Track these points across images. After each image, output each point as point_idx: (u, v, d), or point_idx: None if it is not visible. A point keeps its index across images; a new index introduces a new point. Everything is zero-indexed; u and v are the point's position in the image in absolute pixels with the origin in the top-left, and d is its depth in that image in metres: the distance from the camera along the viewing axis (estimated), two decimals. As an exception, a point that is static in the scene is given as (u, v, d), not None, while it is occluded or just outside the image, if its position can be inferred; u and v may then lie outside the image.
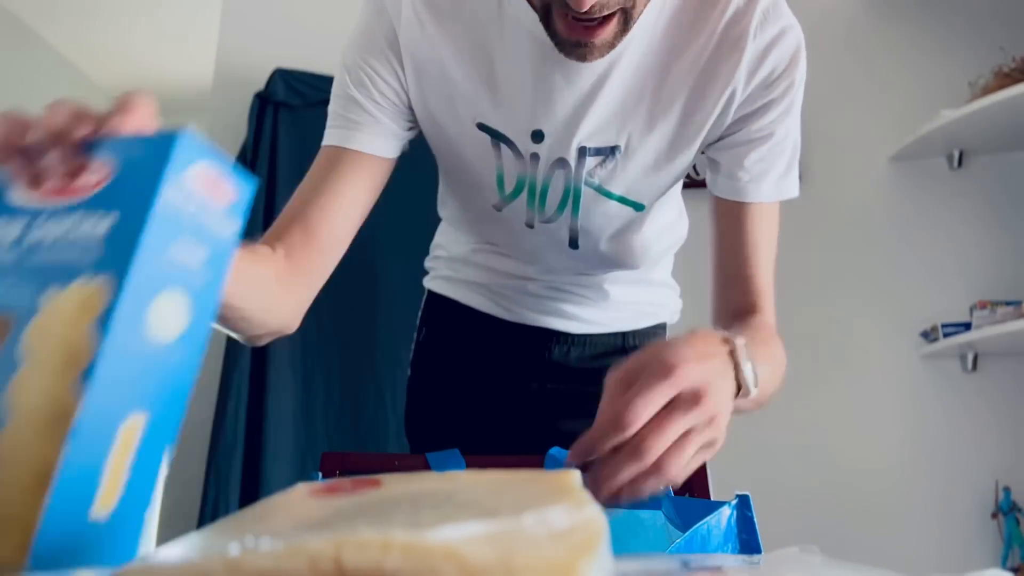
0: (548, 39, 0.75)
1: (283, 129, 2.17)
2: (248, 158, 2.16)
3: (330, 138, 0.83)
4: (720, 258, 0.86)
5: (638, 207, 0.87)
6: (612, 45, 0.72)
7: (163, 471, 0.43)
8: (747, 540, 0.60)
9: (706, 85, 0.79)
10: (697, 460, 0.56)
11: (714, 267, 0.87)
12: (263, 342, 0.84)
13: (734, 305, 0.85)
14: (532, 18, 0.75)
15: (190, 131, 0.41)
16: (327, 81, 2.36)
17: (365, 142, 0.82)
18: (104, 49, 3.76)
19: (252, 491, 1.91)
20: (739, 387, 0.61)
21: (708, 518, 0.57)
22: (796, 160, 0.84)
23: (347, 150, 0.82)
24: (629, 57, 0.78)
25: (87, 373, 0.36)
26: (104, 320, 0.37)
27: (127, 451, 0.39)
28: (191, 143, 0.41)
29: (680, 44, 0.79)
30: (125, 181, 0.42)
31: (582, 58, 0.72)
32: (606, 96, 0.80)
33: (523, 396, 0.98)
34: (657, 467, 0.53)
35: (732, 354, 0.61)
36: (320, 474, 0.84)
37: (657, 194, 0.87)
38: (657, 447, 0.52)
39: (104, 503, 0.37)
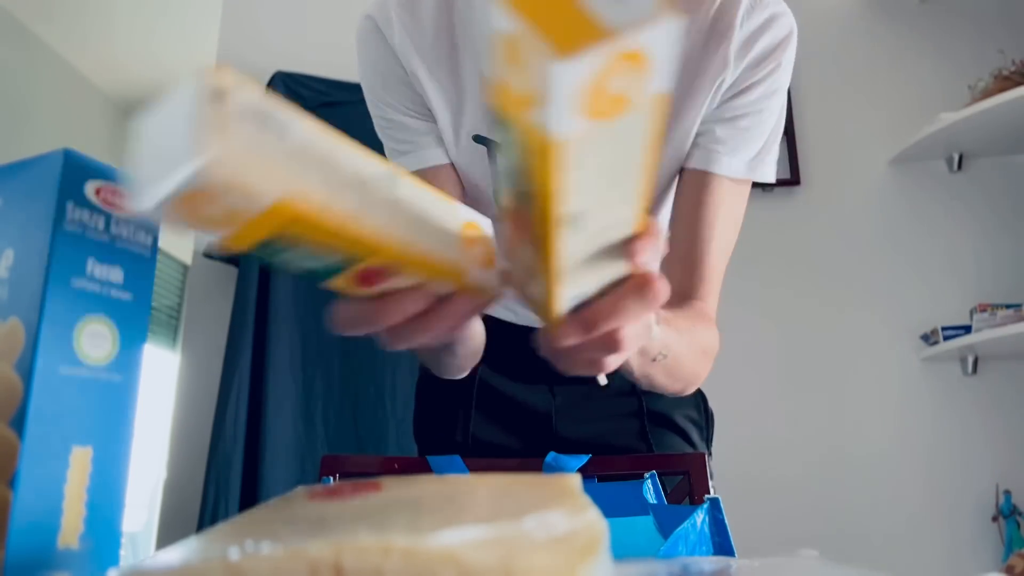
0: None
1: (283, 132, 2.17)
2: (248, 161, 2.16)
3: (409, 165, 0.87)
4: (674, 232, 0.82)
5: None
6: None
7: (158, 484, 0.43)
8: (720, 543, 0.60)
9: (696, 79, 0.79)
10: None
11: (667, 242, 0.84)
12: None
13: (675, 285, 0.82)
14: None
15: (73, 150, 0.40)
16: (328, 84, 2.36)
17: (433, 156, 0.86)
18: (105, 52, 3.76)
19: (252, 494, 1.91)
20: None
21: (684, 523, 0.58)
22: (775, 146, 0.83)
23: (426, 169, 0.86)
24: None
25: (21, 411, 0.36)
26: (26, 360, 0.37)
27: (80, 484, 0.38)
28: (79, 162, 0.40)
29: None
30: (14, 213, 0.40)
31: None
32: None
33: (530, 399, 0.98)
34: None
35: None
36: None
37: (655, 191, 0.87)
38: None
39: (70, 532, 0.37)
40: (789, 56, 0.80)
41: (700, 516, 0.60)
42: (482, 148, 0.84)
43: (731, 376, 1.95)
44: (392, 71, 0.84)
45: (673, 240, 0.81)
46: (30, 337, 0.37)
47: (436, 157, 0.86)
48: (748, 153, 0.81)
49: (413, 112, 0.85)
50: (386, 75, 0.84)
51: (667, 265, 0.80)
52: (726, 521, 0.62)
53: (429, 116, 0.86)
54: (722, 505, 0.63)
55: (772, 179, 0.83)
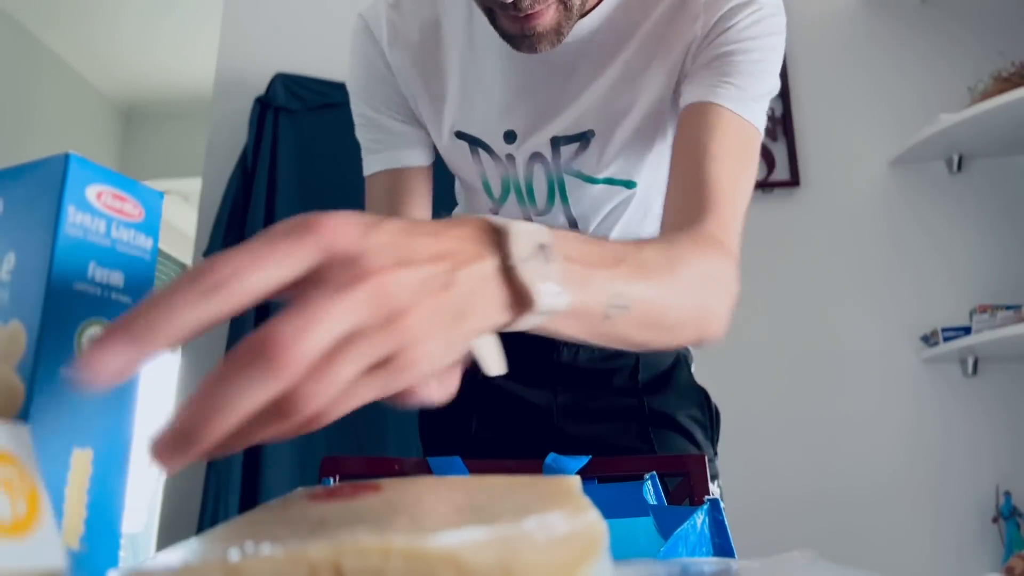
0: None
1: (284, 133, 2.17)
2: (249, 162, 2.16)
3: (375, 164, 0.87)
4: (674, 166, 0.74)
5: (628, 184, 0.87)
6: (559, 31, 0.71)
7: (154, 491, 0.42)
8: (720, 544, 0.61)
9: (666, 51, 0.79)
10: (369, 390, 0.33)
11: (668, 181, 0.75)
12: None
13: (676, 215, 0.70)
14: None
15: (75, 154, 0.40)
16: (327, 86, 2.37)
17: (405, 157, 0.86)
18: (106, 54, 3.76)
19: (252, 496, 1.90)
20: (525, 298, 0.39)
21: (684, 524, 0.58)
22: (766, 100, 0.78)
23: (397, 170, 0.86)
24: (593, 45, 0.80)
25: (23, 414, 0.36)
26: (27, 362, 0.37)
27: (81, 486, 0.38)
28: (81, 166, 0.40)
29: (635, 21, 0.80)
30: (16, 216, 0.40)
31: (532, 49, 0.72)
32: (576, 85, 0.81)
33: (533, 398, 0.99)
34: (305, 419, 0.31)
35: (500, 248, 0.38)
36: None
37: (643, 167, 0.87)
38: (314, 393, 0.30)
39: (71, 534, 0.37)
40: (772, 7, 0.76)
41: (700, 517, 0.60)
42: (464, 144, 0.86)
43: (731, 377, 1.95)
44: (377, 71, 0.85)
45: (673, 174, 0.73)
46: (31, 340, 0.37)
47: (407, 159, 0.87)
48: (743, 90, 0.75)
49: (393, 113, 0.86)
50: (371, 73, 0.86)
51: (669, 197, 0.73)
52: (726, 522, 0.62)
53: (410, 119, 0.87)
54: (722, 506, 0.63)
55: (761, 128, 0.77)
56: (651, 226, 0.95)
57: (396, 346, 0.32)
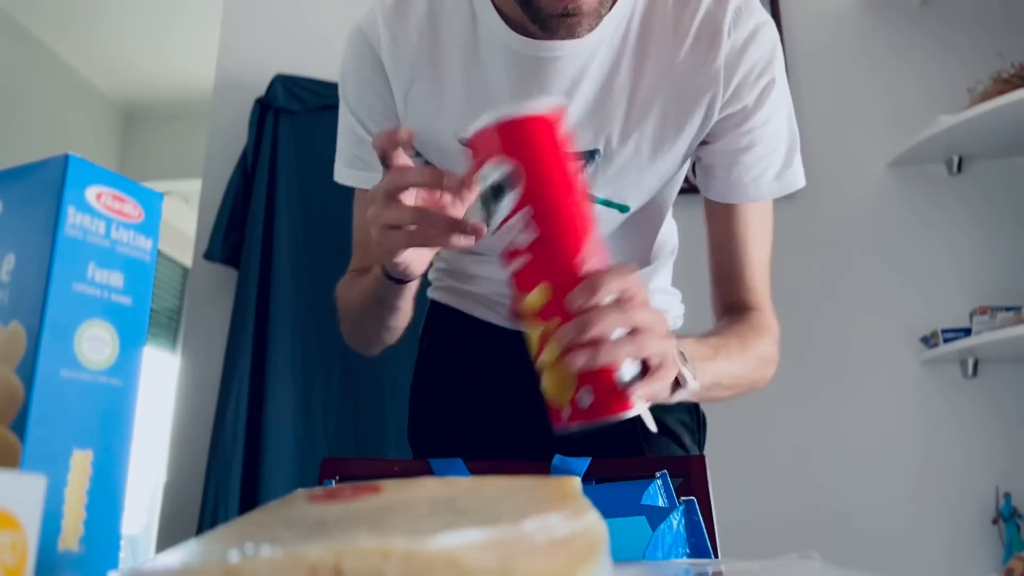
0: (522, 49, 0.77)
1: (284, 134, 2.17)
2: (249, 163, 2.16)
3: (355, 180, 0.89)
4: (714, 252, 0.88)
5: (622, 209, 0.87)
6: (599, 15, 0.72)
7: (156, 490, 0.43)
8: (695, 544, 0.61)
9: (684, 85, 0.79)
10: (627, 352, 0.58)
11: (709, 260, 0.89)
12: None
13: (728, 301, 0.87)
14: (505, 30, 0.77)
15: (74, 156, 0.40)
16: (327, 87, 2.37)
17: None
18: (106, 55, 3.77)
19: (251, 497, 1.90)
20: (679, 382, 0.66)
21: (661, 525, 0.58)
22: (796, 151, 0.84)
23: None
24: (601, 60, 0.79)
25: (23, 415, 0.36)
26: (27, 363, 0.37)
27: (80, 486, 0.38)
28: (81, 167, 0.40)
29: (653, 45, 0.79)
30: (16, 217, 0.40)
31: (570, 32, 0.71)
32: (581, 100, 0.80)
33: (523, 403, 0.98)
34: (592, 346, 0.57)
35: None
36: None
37: (642, 195, 0.87)
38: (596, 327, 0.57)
39: (70, 535, 0.37)
40: (780, 70, 0.80)
41: (676, 519, 0.61)
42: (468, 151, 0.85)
43: (731, 378, 1.95)
44: (371, 84, 0.84)
45: (718, 258, 0.87)
46: (31, 341, 0.37)
47: None
48: (772, 172, 0.83)
49: (382, 127, 0.85)
50: (364, 86, 0.85)
51: (719, 281, 0.87)
52: (702, 523, 0.62)
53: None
54: (698, 507, 0.63)
55: (802, 183, 0.85)
56: (632, 250, 0.95)
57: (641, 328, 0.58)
